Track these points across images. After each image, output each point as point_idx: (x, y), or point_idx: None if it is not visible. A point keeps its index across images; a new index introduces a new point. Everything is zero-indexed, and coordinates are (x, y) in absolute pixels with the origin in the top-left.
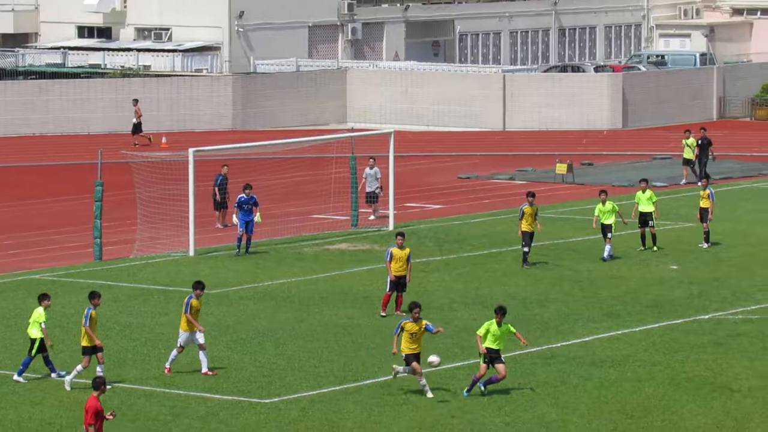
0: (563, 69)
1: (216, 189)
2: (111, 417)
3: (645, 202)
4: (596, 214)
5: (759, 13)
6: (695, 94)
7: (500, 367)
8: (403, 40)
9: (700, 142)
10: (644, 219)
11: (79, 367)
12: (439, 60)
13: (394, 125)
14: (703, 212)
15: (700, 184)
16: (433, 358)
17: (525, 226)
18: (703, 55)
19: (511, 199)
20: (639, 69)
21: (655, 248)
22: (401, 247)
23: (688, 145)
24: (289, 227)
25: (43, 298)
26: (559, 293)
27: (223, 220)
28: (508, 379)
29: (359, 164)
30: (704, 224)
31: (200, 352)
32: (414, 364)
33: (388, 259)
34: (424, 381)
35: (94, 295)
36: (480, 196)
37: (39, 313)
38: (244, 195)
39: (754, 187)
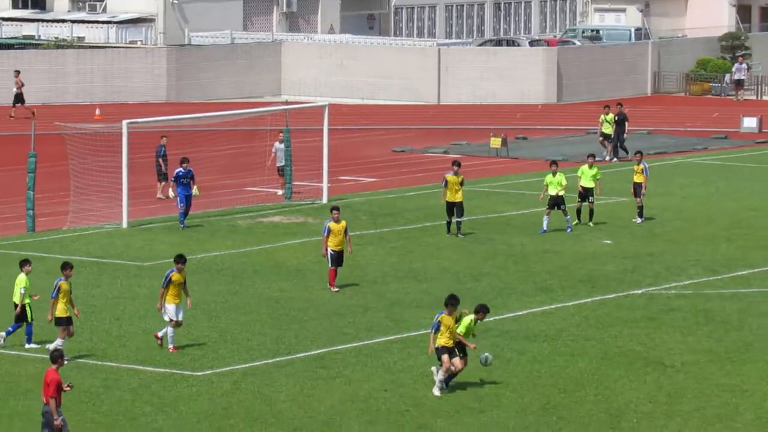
0: (498, 43)
1: (160, 160)
2: (68, 388)
3: (588, 178)
4: (546, 184)
5: None
6: (630, 69)
7: (457, 361)
8: (338, 13)
9: (617, 117)
10: (585, 194)
11: (59, 341)
12: (374, 33)
13: (328, 98)
14: (637, 187)
15: (634, 158)
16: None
17: (450, 196)
18: (638, 29)
19: (445, 172)
20: (574, 43)
21: (591, 224)
22: (337, 221)
23: (607, 121)
24: (222, 200)
25: (24, 263)
26: (492, 267)
27: (164, 192)
28: None
29: (295, 137)
30: (637, 199)
31: (170, 328)
32: (444, 356)
33: (325, 234)
34: (441, 377)
35: (66, 266)
36: (414, 169)
37: (20, 279)
38: (181, 169)
39: (687, 162)
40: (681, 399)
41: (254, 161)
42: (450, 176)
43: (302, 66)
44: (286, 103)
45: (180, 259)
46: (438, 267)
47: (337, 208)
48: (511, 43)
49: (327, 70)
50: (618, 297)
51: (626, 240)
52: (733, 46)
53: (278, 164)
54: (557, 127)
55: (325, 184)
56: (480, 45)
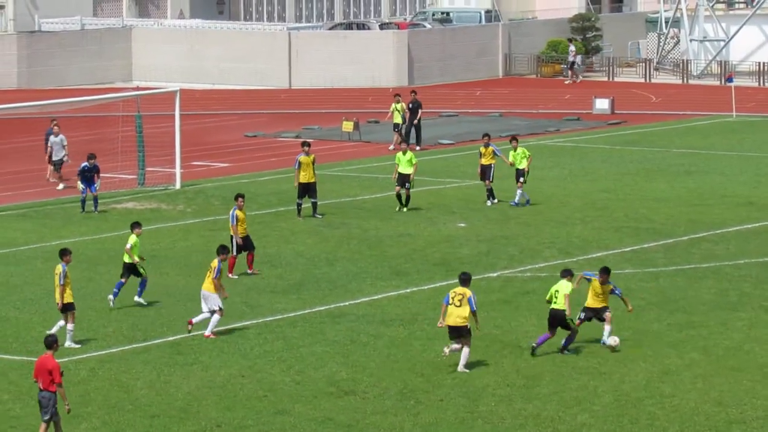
0: (348, 26)
1: (48, 144)
2: None
3: (405, 164)
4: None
5: None
6: (481, 51)
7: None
8: None
9: (411, 105)
10: (402, 180)
11: (70, 326)
12: (224, 18)
13: (180, 83)
14: (486, 169)
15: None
16: (614, 340)
17: (303, 178)
18: (488, 12)
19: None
20: (424, 26)
21: (405, 209)
22: (242, 209)
23: (397, 110)
24: (76, 186)
25: (135, 226)
26: (347, 251)
27: (53, 175)
28: (297, 338)
29: (146, 123)
30: (486, 182)
31: (215, 315)
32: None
33: (234, 223)
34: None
35: (66, 252)
36: (266, 154)
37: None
38: (87, 164)
39: (540, 144)
40: (539, 382)
41: (106, 147)
42: (303, 157)
43: (153, 51)
44: (137, 88)
45: (224, 250)
46: (292, 251)
47: (242, 196)
48: (361, 26)
49: (178, 55)
50: (474, 280)
51: (480, 223)
52: (583, 27)
53: (54, 158)
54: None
55: (177, 170)
56: (330, 29)
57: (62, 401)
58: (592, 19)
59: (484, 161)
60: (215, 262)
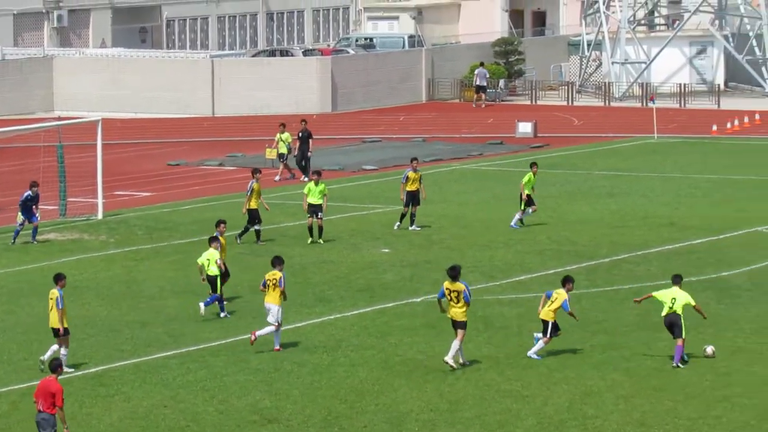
0: (272, 53)
1: None
2: None
3: (316, 195)
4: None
5: None
6: (404, 76)
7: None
8: (110, 26)
9: (300, 134)
10: (313, 210)
11: (64, 351)
12: (146, 46)
13: (102, 113)
14: (414, 195)
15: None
16: (709, 350)
17: (253, 204)
18: (411, 37)
19: (221, 185)
20: (348, 52)
21: (320, 240)
22: (222, 234)
23: (282, 140)
24: None
25: (212, 240)
26: None
27: None
28: (220, 367)
29: (68, 153)
30: (413, 208)
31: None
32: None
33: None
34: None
35: (61, 277)
36: (189, 183)
37: (211, 253)
38: (30, 192)
39: (464, 168)
40: (462, 406)
41: (27, 178)
42: (256, 184)
43: (75, 81)
44: (59, 118)
45: (277, 261)
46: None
47: (223, 222)
48: (284, 53)
49: (100, 84)
50: (397, 305)
51: (404, 248)
52: (506, 51)
53: None
54: (333, 137)
55: (99, 200)
56: (254, 56)
57: (62, 424)
58: (515, 42)
59: (411, 187)
60: (277, 274)
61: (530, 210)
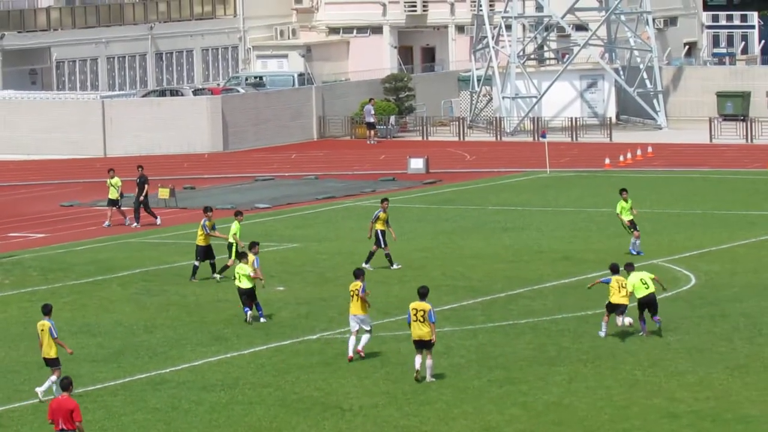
0: (162, 93)
1: None
2: None
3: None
4: None
5: (355, 31)
6: (295, 114)
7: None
8: (0, 68)
9: (138, 180)
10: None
11: (53, 378)
12: (36, 88)
13: None
14: (382, 234)
15: (136, 225)
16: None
17: (202, 241)
18: (301, 75)
19: (114, 225)
20: (238, 91)
21: (217, 276)
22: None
23: (112, 185)
24: None
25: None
26: (166, 318)
27: None
28: (118, 407)
29: None
30: (384, 248)
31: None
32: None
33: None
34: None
35: (50, 308)
36: (83, 223)
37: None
38: None
39: (357, 205)
40: None
41: None
42: (207, 222)
43: None
44: None
45: (360, 273)
46: (112, 320)
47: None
48: (175, 93)
49: None
50: (293, 343)
51: (299, 286)
52: (396, 87)
53: None
54: (225, 176)
55: None
56: (144, 96)
57: None
58: (405, 79)
59: (380, 226)
60: (358, 284)
61: (634, 234)
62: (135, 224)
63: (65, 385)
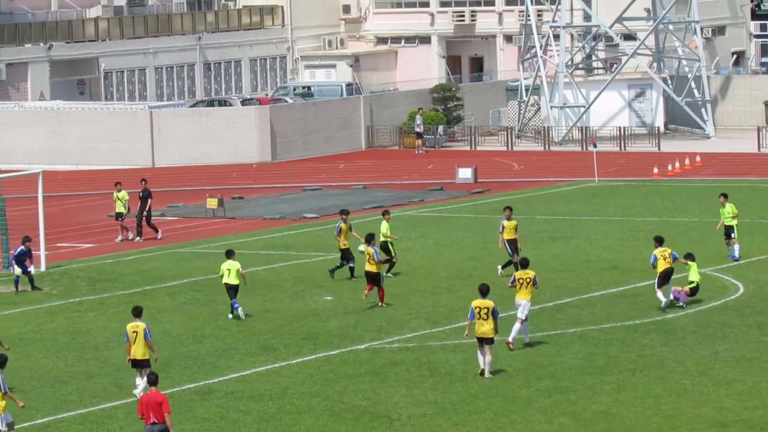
0: (210, 103)
1: None
2: None
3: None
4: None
5: (403, 41)
6: (343, 124)
7: None
8: (48, 79)
9: (141, 194)
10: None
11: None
12: (85, 98)
13: (42, 165)
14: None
15: (138, 239)
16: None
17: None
18: (349, 85)
19: (163, 235)
20: (286, 101)
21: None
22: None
23: (119, 198)
24: None
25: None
26: (215, 328)
27: None
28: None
29: (9, 206)
30: (515, 255)
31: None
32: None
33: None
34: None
35: (141, 310)
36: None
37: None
38: (23, 247)
39: (405, 215)
40: None
41: None
42: (344, 225)
43: (14, 134)
44: None
45: (526, 261)
46: (160, 330)
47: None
48: (223, 103)
49: (39, 136)
50: (342, 353)
51: (347, 296)
52: (444, 97)
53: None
54: (273, 186)
55: (42, 252)
56: (192, 106)
57: (169, 429)
58: (453, 89)
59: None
60: (531, 273)
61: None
62: (138, 239)
63: (152, 379)
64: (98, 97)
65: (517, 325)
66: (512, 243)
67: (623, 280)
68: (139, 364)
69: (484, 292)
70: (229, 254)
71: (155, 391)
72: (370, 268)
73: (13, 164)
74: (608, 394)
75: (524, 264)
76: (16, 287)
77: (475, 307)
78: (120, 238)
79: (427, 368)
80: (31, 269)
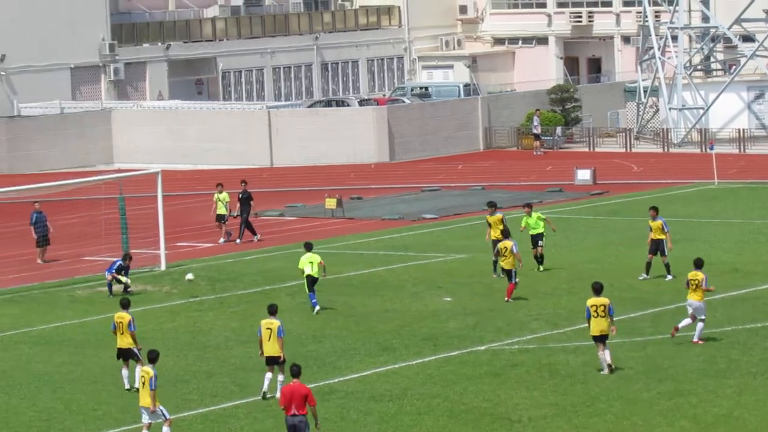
0: (328, 103)
1: (33, 227)
2: None
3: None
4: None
5: (520, 42)
6: (461, 125)
7: None
8: (167, 79)
9: (241, 195)
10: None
11: (281, 377)
12: (203, 98)
13: (161, 164)
14: (658, 243)
15: (238, 241)
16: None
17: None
18: (466, 85)
19: (282, 235)
20: (403, 101)
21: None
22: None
23: (220, 200)
24: (61, 270)
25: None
26: (334, 328)
27: (43, 257)
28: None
29: (129, 205)
30: (663, 257)
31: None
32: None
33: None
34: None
35: (276, 308)
36: (250, 233)
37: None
38: (122, 263)
39: (524, 216)
40: None
41: (89, 230)
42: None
43: (133, 133)
44: (119, 171)
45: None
46: None
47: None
48: (340, 103)
49: (158, 136)
50: (461, 354)
51: (466, 297)
52: (562, 98)
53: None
54: (391, 186)
55: (162, 251)
56: (309, 106)
57: (314, 420)
58: (571, 90)
59: (655, 235)
60: (699, 275)
61: None
62: (237, 240)
63: (296, 371)
64: (216, 97)
65: (700, 325)
66: (657, 243)
67: (744, 283)
68: (271, 361)
69: (597, 290)
70: (309, 247)
71: (299, 383)
72: (506, 263)
73: (132, 163)
74: (729, 398)
75: (698, 264)
76: (111, 290)
77: (591, 306)
78: (223, 239)
79: (547, 370)
80: (126, 280)
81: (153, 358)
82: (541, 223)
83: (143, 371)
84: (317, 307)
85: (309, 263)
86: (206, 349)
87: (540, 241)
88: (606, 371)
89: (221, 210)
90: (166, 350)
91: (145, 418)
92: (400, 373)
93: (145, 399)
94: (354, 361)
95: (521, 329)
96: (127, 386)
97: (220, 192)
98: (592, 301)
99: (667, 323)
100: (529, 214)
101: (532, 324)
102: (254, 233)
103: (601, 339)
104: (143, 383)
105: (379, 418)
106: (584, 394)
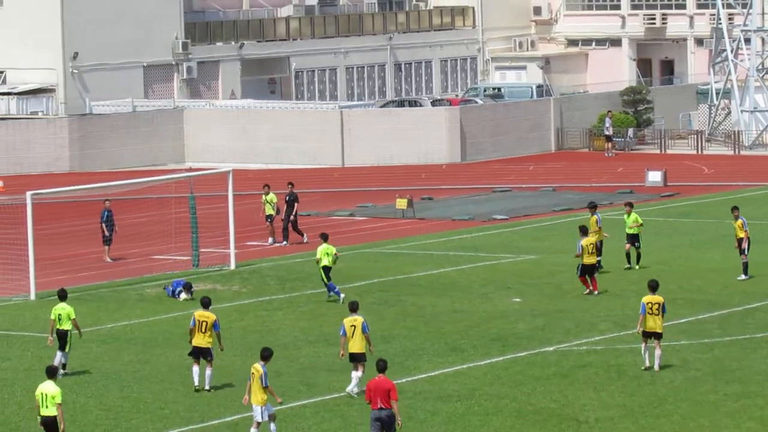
0: (400, 104)
1: (103, 225)
2: None
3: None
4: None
5: (594, 43)
6: (533, 125)
7: None
8: (239, 78)
9: (287, 198)
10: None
11: (359, 373)
12: (275, 97)
13: (232, 164)
14: (740, 242)
15: (285, 243)
16: None
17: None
18: (539, 86)
19: (352, 235)
20: (476, 102)
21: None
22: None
23: (268, 202)
24: (130, 269)
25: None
26: (403, 329)
27: (109, 254)
28: (355, 416)
29: (200, 204)
30: (742, 256)
31: None
32: None
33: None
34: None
35: (357, 305)
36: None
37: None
38: (185, 282)
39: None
40: None
41: (159, 229)
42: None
43: (205, 132)
44: (190, 169)
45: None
46: None
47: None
48: (413, 103)
49: (230, 135)
50: (530, 355)
51: (535, 298)
52: (634, 100)
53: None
54: (463, 186)
55: (232, 250)
56: (382, 106)
57: (397, 416)
58: (643, 91)
59: (739, 234)
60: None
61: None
62: (284, 243)
63: (381, 366)
64: (288, 97)
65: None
66: (740, 242)
67: None
68: (356, 358)
69: (653, 288)
70: (325, 238)
71: (384, 377)
72: (589, 260)
73: (204, 162)
74: None
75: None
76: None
77: (647, 303)
78: (271, 240)
79: (615, 371)
80: (186, 296)
81: (266, 356)
82: (636, 228)
83: (254, 368)
84: (342, 296)
85: (326, 254)
86: (274, 348)
87: (636, 243)
88: (647, 364)
89: (269, 211)
90: (235, 349)
91: (258, 416)
92: (469, 373)
93: (256, 397)
94: (422, 361)
95: (590, 330)
96: (197, 383)
97: (267, 193)
98: (648, 298)
99: (736, 325)
100: (629, 214)
101: (601, 325)
102: (301, 234)
103: (652, 336)
104: (254, 381)
105: (447, 419)
106: (652, 395)
